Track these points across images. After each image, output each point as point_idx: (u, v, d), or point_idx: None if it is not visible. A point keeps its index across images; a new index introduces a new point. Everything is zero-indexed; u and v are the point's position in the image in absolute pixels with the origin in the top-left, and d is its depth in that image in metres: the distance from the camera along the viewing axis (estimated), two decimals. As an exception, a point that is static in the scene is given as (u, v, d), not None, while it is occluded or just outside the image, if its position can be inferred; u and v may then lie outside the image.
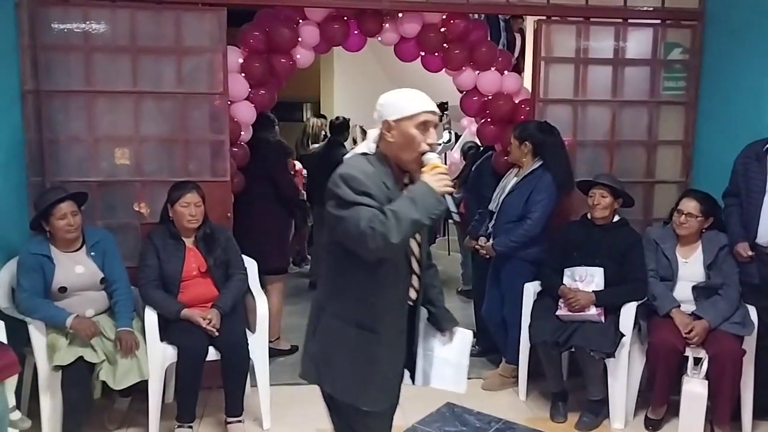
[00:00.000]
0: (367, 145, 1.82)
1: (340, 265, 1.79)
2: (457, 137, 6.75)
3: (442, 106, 6.33)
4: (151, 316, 2.86)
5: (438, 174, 1.71)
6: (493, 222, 3.43)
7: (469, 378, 3.63)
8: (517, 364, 3.38)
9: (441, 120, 6.35)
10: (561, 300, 3.09)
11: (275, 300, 3.85)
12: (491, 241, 3.38)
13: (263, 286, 3.72)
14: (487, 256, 3.43)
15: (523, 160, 3.33)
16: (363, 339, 1.79)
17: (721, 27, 3.48)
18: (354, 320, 1.79)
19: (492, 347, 3.93)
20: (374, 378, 1.81)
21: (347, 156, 1.83)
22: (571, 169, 3.38)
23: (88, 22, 3.16)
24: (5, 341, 2.57)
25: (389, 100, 1.80)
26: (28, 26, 3.07)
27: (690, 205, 3.03)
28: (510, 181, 3.40)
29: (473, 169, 4.24)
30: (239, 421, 2.95)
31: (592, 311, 3.01)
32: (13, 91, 3.03)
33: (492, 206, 3.46)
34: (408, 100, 1.78)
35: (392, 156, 1.79)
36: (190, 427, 2.89)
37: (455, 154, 6.33)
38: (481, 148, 4.43)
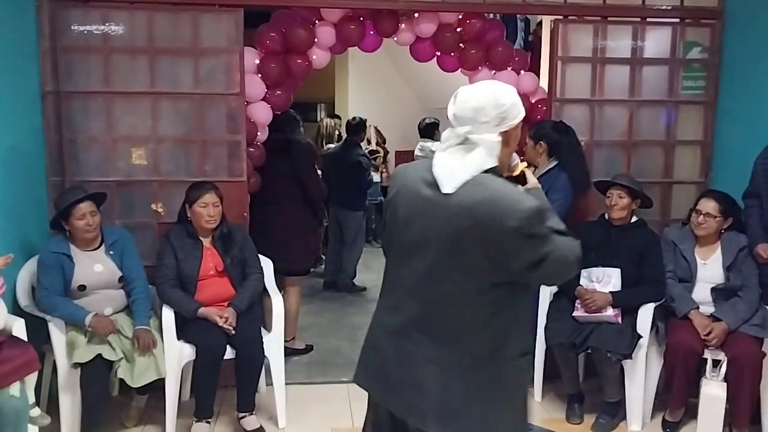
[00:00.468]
0: (491, 156, 1.53)
1: (504, 305, 1.54)
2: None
3: None
4: (168, 315, 2.88)
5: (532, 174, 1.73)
6: None
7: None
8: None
9: None
10: (578, 301, 3.07)
11: (293, 300, 3.88)
12: None
13: (282, 286, 3.76)
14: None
15: (539, 160, 3.31)
16: (528, 364, 1.71)
17: (741, 26, 3.44)
18: (520, 351, 1.61)
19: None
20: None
21: (494, 180, 1.50)
22: (588, 169, 3.35)
23: (107, 24, 3.20)
24: (25, 338, 2.61)
25: (514, 100, 1.56)
26: (48, 28, 3.11)
27: (709, 205, 3.00)
28: None
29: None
30: (252, 414, 2.97)
31: (609, 312, 2.99)
32: (33, 92, 3.08)
33: None
34: (519, 99, 1.60)
35: (501, 164, 1.59)
36: (208, 422, 2.91)
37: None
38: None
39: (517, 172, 1.71)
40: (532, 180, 1.74)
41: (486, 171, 1.52)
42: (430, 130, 5.77)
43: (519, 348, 1.60)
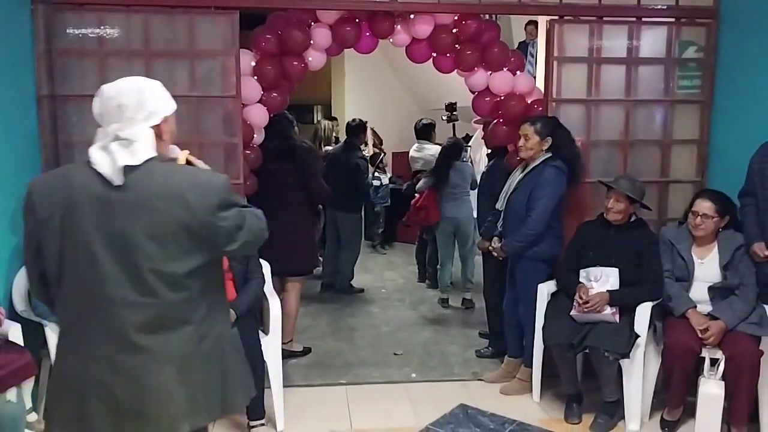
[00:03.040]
0: (151, 148, 1.57)
1: (209, 283, 1.65)
2: (468, 137, 6.76)
3: (451, 106, 6.36)
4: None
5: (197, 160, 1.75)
6: (501, 221, 3.43)
7: (481, 380, 3.69)
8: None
9: (450, 120, 6.36)
10: (576, 299, 3.06)
11: (293, 301, 3.88)
12: (503, 241, 3.37)
13: (282, 287, 3.78)
14: (500, 258, 3.41)
15: (537, 155, 3.29)
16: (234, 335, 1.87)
17: (736, 25, 3.44)
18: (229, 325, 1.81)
19: (505, 349, 3.91)
20: None
21: (174, 166, 1.64)
22: (583, 161, 3.38)
23: (102, 27, 3.19)
24: (22, 344, 2.60)
25: (159, 93, 1.63)
26: (43, 32, 3.11)
27: (705, 206, 3.00)
28: (516, 178, 3.39)
29: (485, 170, 4.22)
30: (262, 424, 2.96)
31: (607, 311, 2.98)
32: (29, 95, 3.07)
33: (498, 205, 3.45)
34: (166, 92, 1.66)
35: (160, 157, 1.63)
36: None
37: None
38: (489, 151, 4.38)
39: (181, 162, 1.73)
40: (200, 166, 1.76)
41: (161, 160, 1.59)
42: (426, 131, 5.75)
43: (227, 322, 1.76)
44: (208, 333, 1.63)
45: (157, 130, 1.61)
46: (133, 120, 1.55)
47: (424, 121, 5.80)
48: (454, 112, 6.80)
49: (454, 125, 6.79)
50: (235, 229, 1.59)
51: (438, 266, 5.27)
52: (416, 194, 5.10)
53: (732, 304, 2.93)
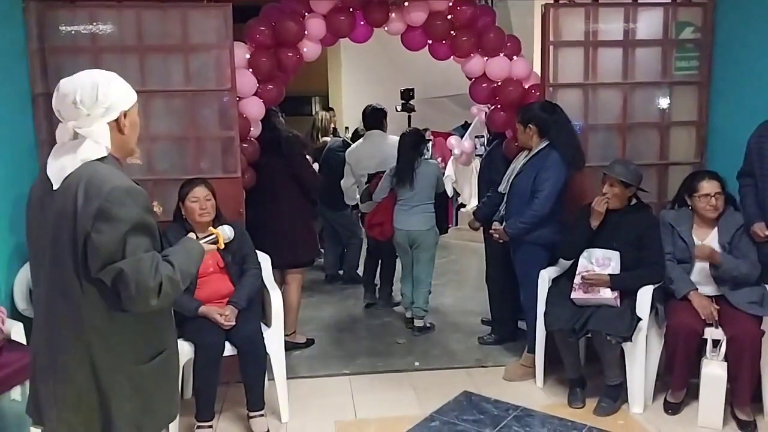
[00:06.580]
0: (99, 146, 1.55)
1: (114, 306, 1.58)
2: (467, 125, 6.73)
3: (407, 93, 6.28)
4: (167, 314, 2.87)
5: None
6: (504, 204, 3.42)
7: (485, 366, 3.70)
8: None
9: (405, 109, 6.30)
10: (575, 281, 3.05)
11: (295, 293, 3.89)
12: (504, 224, 3.36)
13: (284, 280, 3.79)
14: (501, 240, 3.39)
15: (531, 143, 3.28)
16: (165, 363, 1.78)
17: (733, 4, 3.42)
18: (150, 355, 1.73)
19: (507, 336, 3.92)
20: None
21: (102, 166, 1.55)
22: (579, 145, 3.32)
23: (95, 24, 3.18)
24: (25, 342, 2.60)
25: (116, 87, 1.58)
26: (36, 30, 3.09)
27: (714, 185, 2.99)
28: (519, 162, 3.37)
29: (484, 156, 4.21)
30: (261, 415, 2.97)
31: (608, 295, 2.98)
32: (24, 94, 3.06)
33: (501, 188, 3.43)
34: (125, 84, 1.62)
35: (122, 153, 1.65)
36: (210, 426, 2.90)
37: (465, 143, 6.32)
38: (489, 136, 4.35)
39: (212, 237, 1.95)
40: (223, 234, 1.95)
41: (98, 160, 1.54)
42: (376, 119, 4.61)
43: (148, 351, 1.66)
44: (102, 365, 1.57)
45: (116, 125, 1.58)
46: (89, 116, 1.52)
47: (374, 106, 4.66)
48: (411, 101, 6.63)
49: (409, 117, 6.66)
50: (110, 252, 1.45)
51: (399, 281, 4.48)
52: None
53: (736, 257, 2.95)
